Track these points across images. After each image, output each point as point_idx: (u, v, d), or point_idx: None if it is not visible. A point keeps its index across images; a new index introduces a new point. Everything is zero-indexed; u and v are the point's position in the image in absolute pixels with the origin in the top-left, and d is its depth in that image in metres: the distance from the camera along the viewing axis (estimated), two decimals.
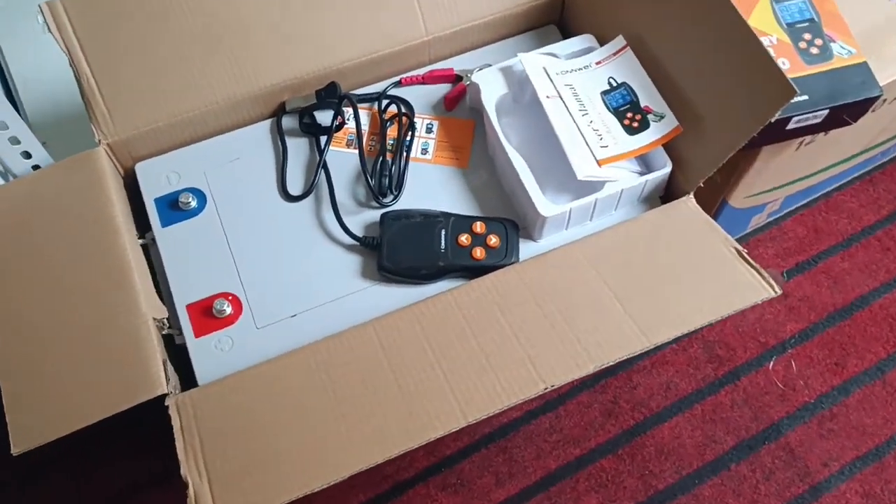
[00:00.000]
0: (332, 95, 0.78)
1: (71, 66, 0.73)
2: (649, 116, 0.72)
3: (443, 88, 0.82)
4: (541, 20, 0.85)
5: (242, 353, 0.69)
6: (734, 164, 0.78)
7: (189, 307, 0.71)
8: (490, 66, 0.78)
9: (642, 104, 0.72)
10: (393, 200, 0.75)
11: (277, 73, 0.78)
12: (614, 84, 0.74)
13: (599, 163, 0.70)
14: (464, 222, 0.72)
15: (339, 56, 0.79)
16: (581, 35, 0.79)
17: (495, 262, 0.70)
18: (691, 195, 0.71)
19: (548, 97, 0.73)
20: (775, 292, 0.63)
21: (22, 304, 0.67)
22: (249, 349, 0.69)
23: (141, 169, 0.78)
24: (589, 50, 0.78)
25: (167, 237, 0.74)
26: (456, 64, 0.83)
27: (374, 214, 0.74)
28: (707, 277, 0.66)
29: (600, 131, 0.72)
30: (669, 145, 0.71)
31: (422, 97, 0.81)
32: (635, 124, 0.72)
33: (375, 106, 0.80)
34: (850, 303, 1.00)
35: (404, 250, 0.71)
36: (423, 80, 0.82)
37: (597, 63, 0.75)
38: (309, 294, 0.71)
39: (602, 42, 0.77)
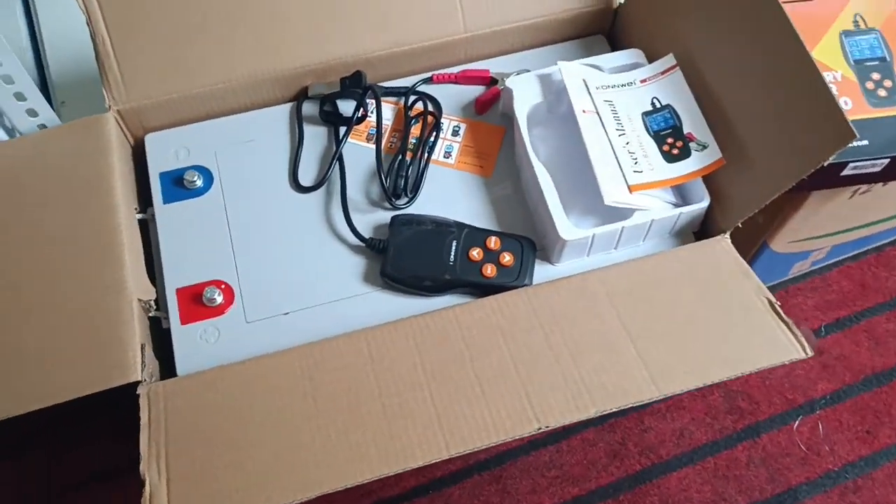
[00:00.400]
0: (356, 85, 0.74)
1: (88, 25, 0.70)
2: (691, 144, 0.66)
3: (476, 90, 0.77)
4: (589, 29, 0.80)
5: (228, 346, 0.65)
6: (779, 206, 0.72)
7: (179, 291, 0.67)
8: (528, 71, 0.74)
9: (685, 130, 0.67)
10: (407, 203, 0.70)
11: (303, 55, 0.74)
12: (658, 105, 0.68)
13: (630, 188, 0.65)
14: (477, 235, 0.67)
15: (370, 44, 0.75)
16: (630, 49, 0.73)
17: (506, 281, 0.65)
18: (727, 234, 0.65)
19: (584, 111, 0.68)
20: (805, 354, 0.58)
21: (2, 268, 0.63)
22: (235, 343, 0.65)
23: (150, 140, 0.74)
24: (636, 66, 0.72)
25: (167, 215, 0.71)
26: (493, 66, 0.78)
27: (385, 216, 0.70)
28: (733, 328, 0.60)
29: (636, 154, 0.66)
30: (710, 178, 0.66)
31: (452, 97, 0.76)
32: (675, 151, 0.66)
33: (402, 101, 0.76)
34: (890, 368, 0.93)
35: (410, 258, 0.66)
36: (456, 80, 0.77)
37: (642, 81, 0.70)
38: (305, 292, 0.67)
39: (651, 59, 0.72)
